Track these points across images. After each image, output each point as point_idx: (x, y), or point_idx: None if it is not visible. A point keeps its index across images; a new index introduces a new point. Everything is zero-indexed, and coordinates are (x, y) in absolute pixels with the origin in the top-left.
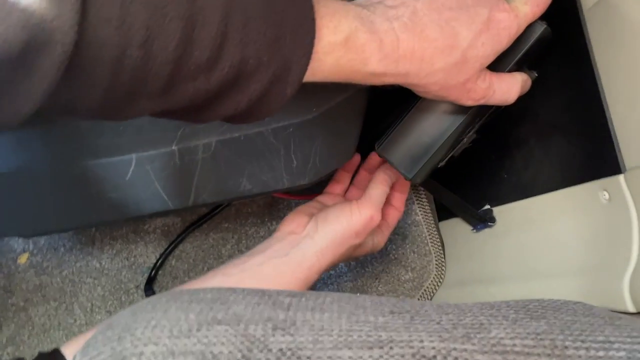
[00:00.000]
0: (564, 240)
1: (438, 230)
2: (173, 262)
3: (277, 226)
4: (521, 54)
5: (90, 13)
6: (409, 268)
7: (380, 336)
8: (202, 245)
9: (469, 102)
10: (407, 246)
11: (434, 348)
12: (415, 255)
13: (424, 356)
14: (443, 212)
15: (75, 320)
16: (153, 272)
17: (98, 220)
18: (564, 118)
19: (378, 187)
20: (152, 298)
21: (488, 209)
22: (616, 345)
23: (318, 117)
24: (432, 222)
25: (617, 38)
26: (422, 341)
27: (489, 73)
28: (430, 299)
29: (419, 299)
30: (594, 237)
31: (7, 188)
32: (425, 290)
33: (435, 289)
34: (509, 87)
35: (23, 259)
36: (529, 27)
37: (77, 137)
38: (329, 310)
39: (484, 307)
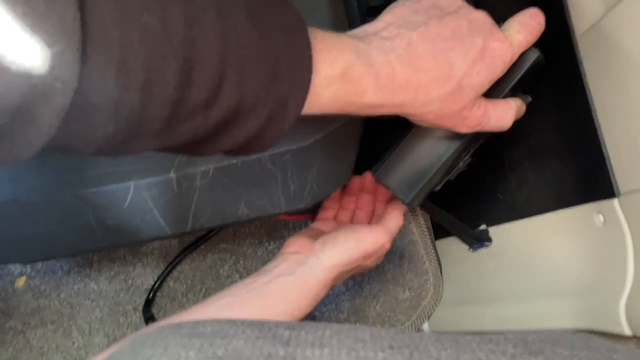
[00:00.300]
0: (560, 261)
1: (435, 249)
2: (171, 283)
3: (275, 246)
4: (515, 81)
5: (91, 58)
6: (407, 287)
7: None
8: (200, 266)
9: (464, 130)
10: (405, 265)
11: None
12: (413, 275)
13: None
14: (439, 231)
15: (73, 343)
16: (151, 293)
17: (96, 247)
18: (558, 141)
19: (395, 222)
20: (153, 332)
21: (484, 229)
22: None
23: (315, 143)
24: (428, 241)
25: (609, 62)
26: None
27: (484, 100)
28: (428, 319)
29: (416, 319)
30: (590, 260)
31: (5, 217)
32: (422, 310)
33: (433, 308)
34: (504, 114)
35: (21, 282)
36: (523, 54)
37: (75, 165)
38: (329, 345)
39: (482, 341)
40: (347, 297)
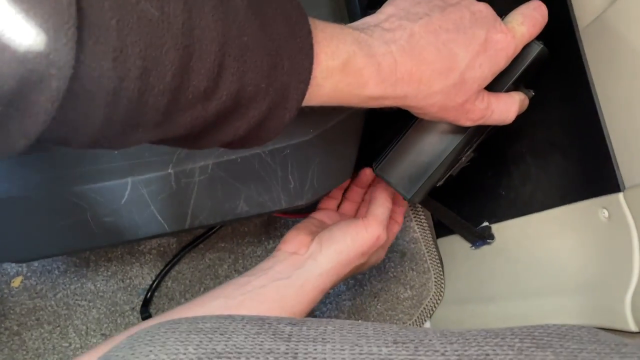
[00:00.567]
0: (564, 258)
1: (437, 247)
2: (169, 283)
3: (275, 245)
4: (518, 74)
5: (87, 45)
6: (408, 286)
7: None
8: (199, 265)
9: (467, 123)
10: (406, 264)
11: None
12: (414, 273)
13: None
14: (441, 229)
15: (70, 344)
16: (149, 293)
17: (93, 245)
18: (561, 136)
19: (382, 206)
20: (151, 327)
21: (486, 226)
22: None
23: (315, 138)
24: (430, 239)
25: (613, 55)
26: None
27: (486, 93)
28: (430, 317)
29: (418, 318)
30: (595, 255)
31: (0, 214)
32: (424, 308)
33: (435, 307)
34: (507, 107)
35: (16, 283)
36: (526, 47)
37: (71, 161)
38: (331, 340)
39: (488, 335)
40: (347, 296)
